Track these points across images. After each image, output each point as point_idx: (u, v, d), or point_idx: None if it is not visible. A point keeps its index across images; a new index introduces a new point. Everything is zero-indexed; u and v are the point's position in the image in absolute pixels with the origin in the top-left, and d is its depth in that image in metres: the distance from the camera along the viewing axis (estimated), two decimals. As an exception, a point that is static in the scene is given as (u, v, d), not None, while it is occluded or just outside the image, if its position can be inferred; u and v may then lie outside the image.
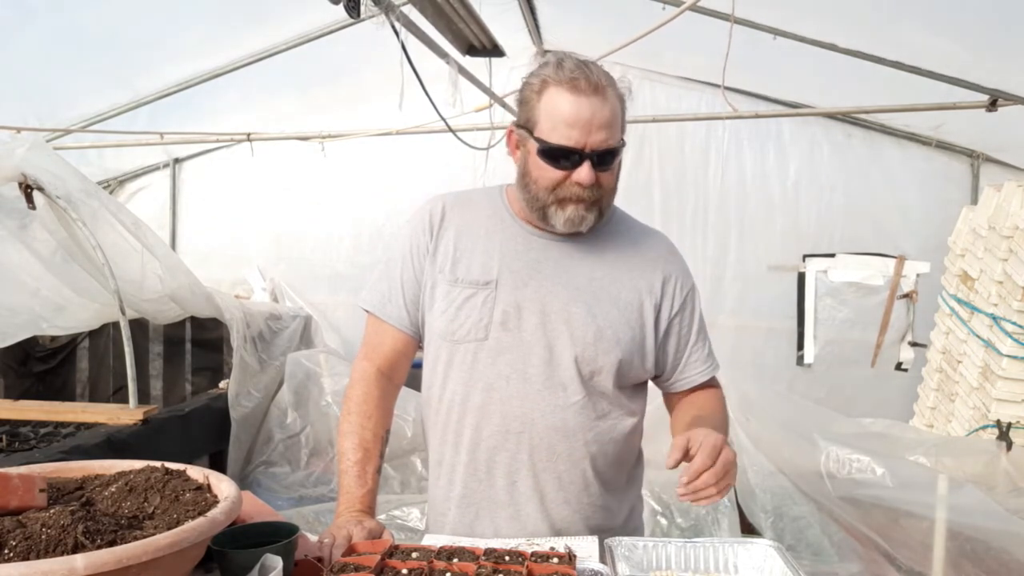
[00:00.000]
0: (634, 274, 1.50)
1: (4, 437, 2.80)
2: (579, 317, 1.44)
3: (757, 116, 4.23)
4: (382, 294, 1.54)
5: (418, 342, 1.57)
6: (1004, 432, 2.97)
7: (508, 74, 4.68)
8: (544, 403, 1.43)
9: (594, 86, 1.34)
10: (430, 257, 1.50)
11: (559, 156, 1.36)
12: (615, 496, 1.54)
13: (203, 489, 1.13)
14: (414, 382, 1.65)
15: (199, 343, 4.28)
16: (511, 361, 1.43)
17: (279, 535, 1.18)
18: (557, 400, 1.43)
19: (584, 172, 1.36)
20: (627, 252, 1.52)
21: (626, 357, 1.46)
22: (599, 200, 1.42)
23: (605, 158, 1.37)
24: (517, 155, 1.47)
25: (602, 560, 1.27)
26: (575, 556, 1.19)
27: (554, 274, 1.46)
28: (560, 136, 1.35)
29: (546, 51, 4.74)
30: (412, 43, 2.52)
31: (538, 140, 1.38)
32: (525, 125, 1.42)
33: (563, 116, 1.35)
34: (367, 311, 1.56)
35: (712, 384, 1.60)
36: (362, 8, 2.12)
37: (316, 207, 5.34)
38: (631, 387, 1.52)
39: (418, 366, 1.58)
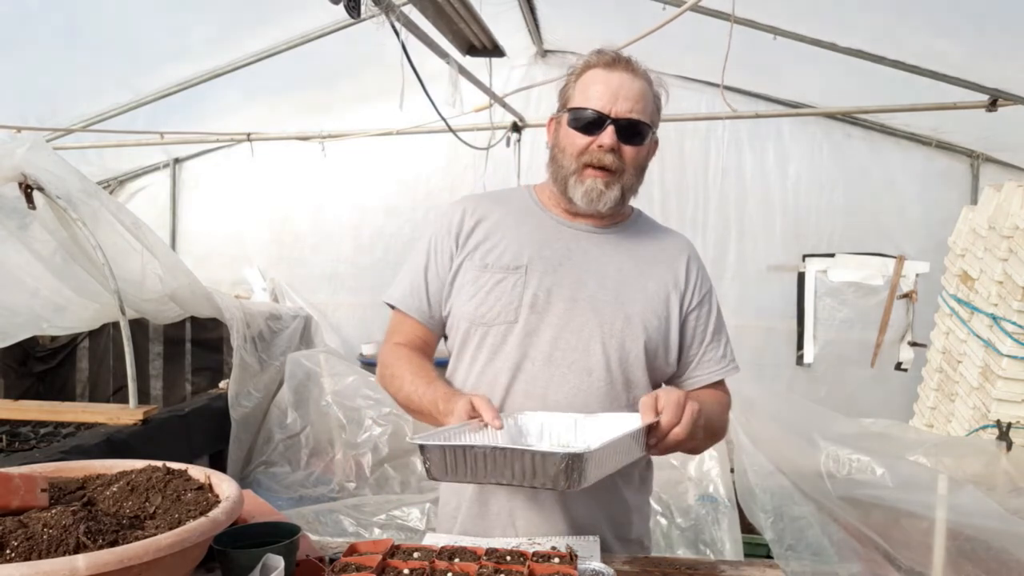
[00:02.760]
0: (661, 267, 1.54)
1: (4, 437, 2.80)
2: (608, 303, 1.47)
3: (757, 116, 4.24)
4: (404, 290, 1.58)
5: (438, 337, 1.61)
6: (1004, 432, 2.97)
7: (508, 74, 4.70)
8: (568, 385, 1.44)
9: (627, 64, 1.45)
10: (454, 258, 1.53)
11: (586, 122, 1.44)
12: (629, 489, 1.55)
13: (204, 489, 1.14)
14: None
15: (199, 343, 4.28)
16: (538, 344, 1.45)
17: (280, 535, 1.18)
18: (581, 383, 1.44)
19: (607, 136, 1.43)
20: (653, 247, 1.58)
21: (652, 345, 1.48)
22: (620, 174, 1.46)
23: (630, 129, 1.44)
24: (552, 141, 1.55)
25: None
26: (576, 556, 1.19)
27: (583, 262, 1.50)
28: (589, 102, 1.44)
29: (546, 51, 4.75)
30: (412, 43, 2.52)
31: (570, 110, 1.47)
32: (561, 107, 1.51)
33: (595, 86, 1.45)
34: (391, 306, 1.60)
35: (720, 387, 1.61)
36: (362, 8, 2.12)
37: (316, 207, 5.34)
38: (653, 383, 1.53)
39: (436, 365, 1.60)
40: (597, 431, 1.33)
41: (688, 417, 1.26)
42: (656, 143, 1.55)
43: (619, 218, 1.57)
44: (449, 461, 1.14)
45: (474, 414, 1.27)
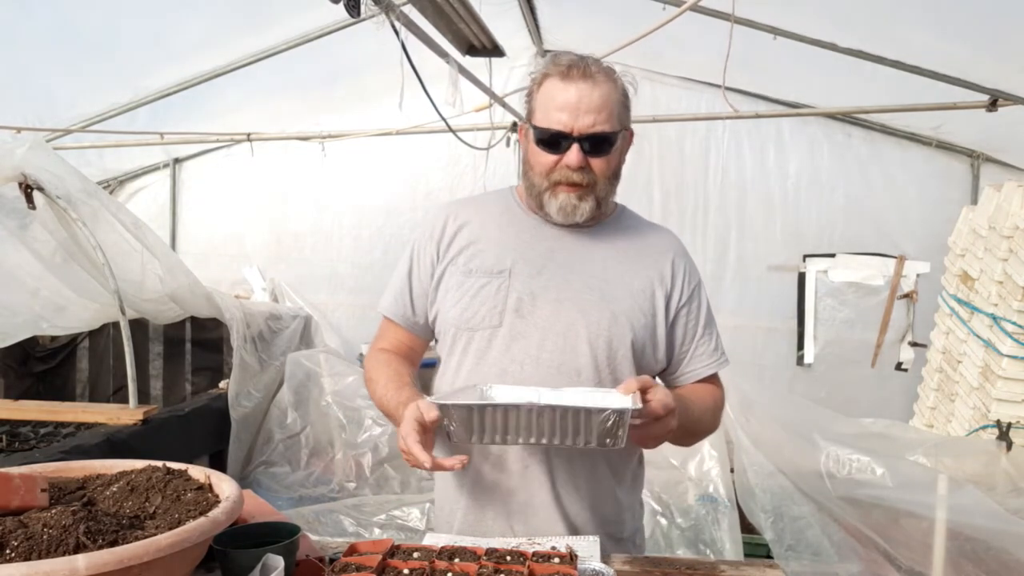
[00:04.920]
0: (646, 263, 1.53)
1: (4, 437, 2.80)
2: (593, 303, 1.46)
3: (757, 116, 4.24)
4: (391, 298, 1.61)
5: (425, 342, 1.63)
6: (1004, 432, 2.97)
7: (508, 74, 4.70)
8: (557, 388, 1.43)
9: (583, 72, 1.39)
10: (436, 264, 1.54)
11: (550, 141, 1.41)
12: (622, 489, 1.55)
13: (204, 489, 1.14)
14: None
15: (199, 343, 4.27)
16: (525, 347, 1.45)
17: (280, 535, 1.18)
18: (570, 384, 1.44)
19: (572, 155, 1.40)
20: (638, 243, 1.56)
21: (639, 343, 1.47)
22: (592, 186, 1.44)
23: (595, 142, 1.41)
24: (523, 152, 1.53)
25: None
26: (576, 556, 1.19)
27: (567, 262, 1.49)
28: (551, 121, 1.40)
29: (546, 51, 4.75)
30: (412, 43, 2.52)
31: (534, 127, 1.44)
32: (527, 118, 1.48)
33: (554, 102, 1.40)
34: (382, 315, 1.63)
35: (713, 380, 1.61)
36: (362, 8, 2.11)
37: (316, 207, 5.35)
38: None
39: (426, 366, 1.60)
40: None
41: (664, 424, 1.26)
42: (631, 136, 1.52)
43: (602, 217, 1.55)
44: (476, 422, 1.09)
45: (421, 420, 1.26)
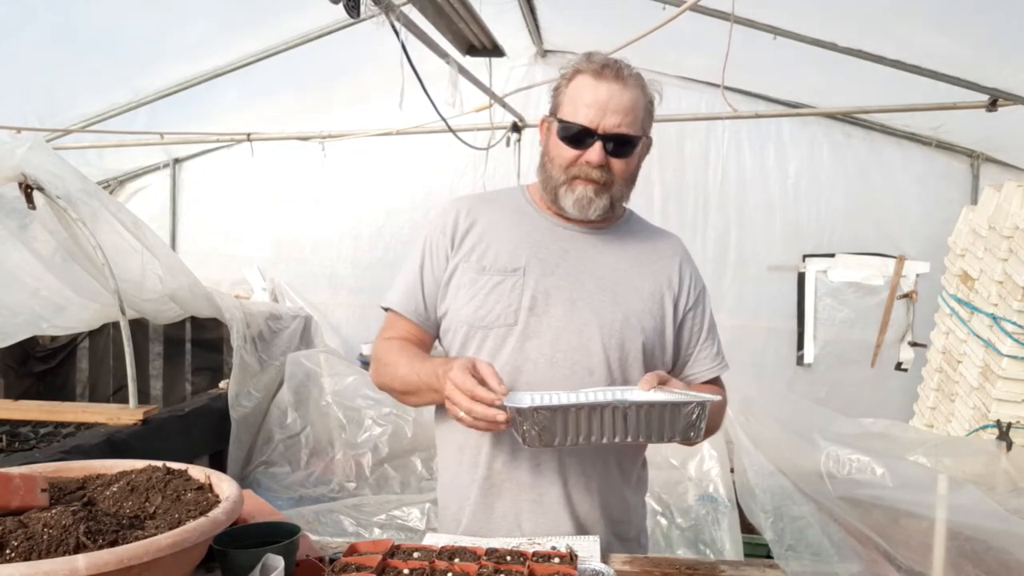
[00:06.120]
0: (655, 267, 1.56)
1: (4, 437, 2.80)
2: (606, 304, 1.47)
3: (757, 116, 4.23)
4: (400, 292, 1.59)
5: (433, 338, 1.62)
6: (1004, 432, 2.97)
7: (508, 74, 4.70)
8: (570, 386, 1.43)
9: (616, 74, 1.42)
10: (450, 259, 1.53)
11: (574, 136, 1.43)
12: (628, 488, 1.56)
13: (204, 489, 1.14)
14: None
15: (199, 343, 4.28)
16: (539, 346, 1.46)
17: (280, 535, 1.18)
18: (582, 384, 1.44)
19: (594, 152, 1.42)
20: (646, 247, 1.59)
21: (649, 345, 1.49)
22: (609, 185, 1.46)
23: (618, 143, 1.43)
24: (543, 145, 1.55)
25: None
26: (576, 556, 1.19)
27: (580, 263, 1.51)
28: (578, 116, 1.42)
29: (546, 51, 4.75)
30: (412, 43, 2.52)
31: (559, 121, 1.46)
32: (552, 112, 1.51)
33: (583, 98, 1.42)
34: (389, 309, 1.59)
35: (716, 383, 1.63)
36: (362, 8, 2.12)
37: (316, 207, 5.34)
38: None
39: None
40: None
41: None
42: (649, 143, 1.54)
43: (612, 219, 1.58)
44: (559, 425, 1.09)
45: (475, 372, 1.25)
